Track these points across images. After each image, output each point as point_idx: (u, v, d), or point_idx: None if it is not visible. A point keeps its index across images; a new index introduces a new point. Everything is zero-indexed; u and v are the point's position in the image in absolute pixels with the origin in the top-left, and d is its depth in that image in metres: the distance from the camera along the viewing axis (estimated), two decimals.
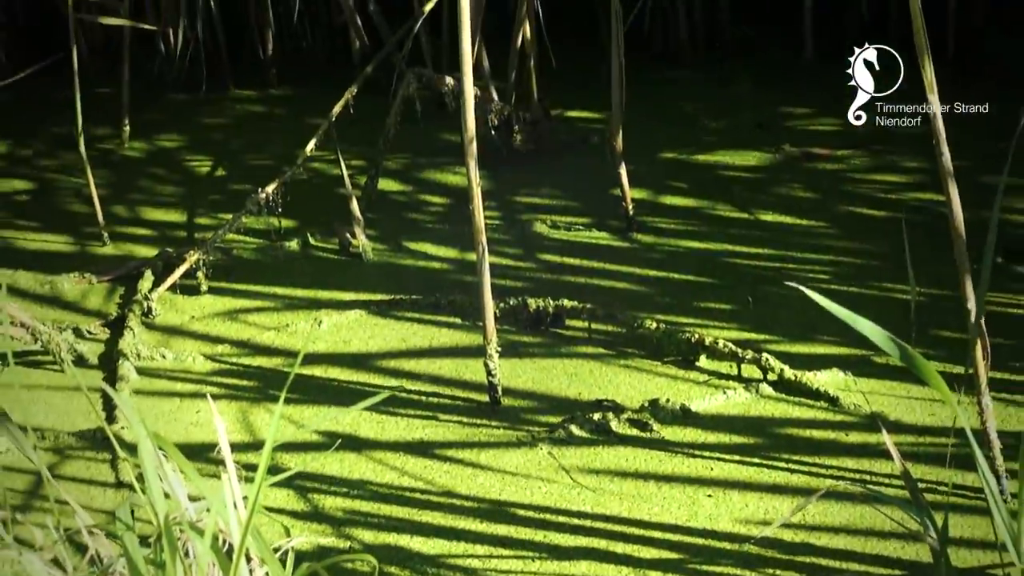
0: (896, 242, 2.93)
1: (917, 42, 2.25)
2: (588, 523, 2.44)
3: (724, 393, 2.79)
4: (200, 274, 3.40)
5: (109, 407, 2.90)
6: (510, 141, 3.88)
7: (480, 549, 2.39)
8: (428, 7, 3.75)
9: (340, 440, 2.70)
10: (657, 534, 2.40)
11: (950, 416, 2.64)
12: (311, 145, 3.57)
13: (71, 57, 3.61)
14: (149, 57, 4.68)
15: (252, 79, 4.74)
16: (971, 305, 2.29)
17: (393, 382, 2.94)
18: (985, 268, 2.23)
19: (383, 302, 3.28)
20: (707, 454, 2.62)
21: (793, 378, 2.79)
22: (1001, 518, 2.09)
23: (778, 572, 2.28)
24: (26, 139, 4.49)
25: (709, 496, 2.50)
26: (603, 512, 2.47)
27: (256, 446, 2.73)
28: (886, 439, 2.14)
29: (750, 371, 2.86)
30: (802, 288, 1.89)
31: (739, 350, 2.86)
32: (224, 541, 1.87)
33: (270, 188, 3.48)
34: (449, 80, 3.55)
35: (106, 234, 3.73)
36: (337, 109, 3.57)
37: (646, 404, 2.77)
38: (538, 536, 2.42)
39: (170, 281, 3.36)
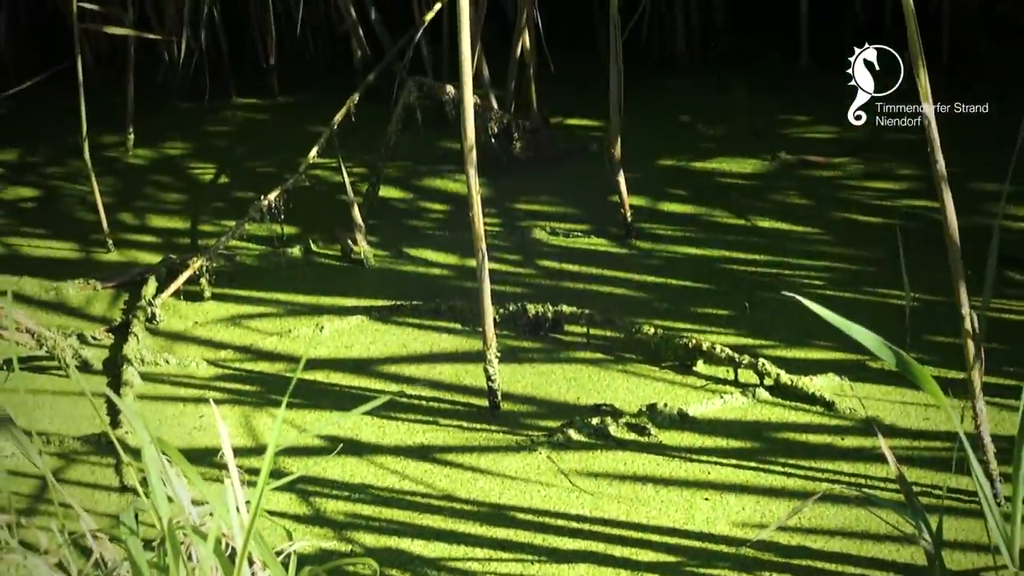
0: (891, 248, 2.96)
1: (911, 48, 2.27)
2: (586, 526, 2.46)
3: (721, 398, 2.82)
4: (203, 280, 3.42)
5: (113, 412, 2.92)
6: (510, 149, 3.91)
7: (480, 552, 2.41)
8: (429, 16, 3.78)
9: (341, 444, 2.72)
10: (655, 537, 2.42)
11: (945, 420, 2.66)
12: (313, 152, 3.59)
13: (76, 66, 3.65)
14: (153, 66, 4.71)
15: (255, 87, 4.76)
16: (965, 311, 2.32)
17: (394, 387, 2.97)
18: (988, 274, 2.26)
19: (384, 308, 3.31)
20: (704, 458, 2.64)
21: (789, 383, 2.81)
22: (995, 521, 2.11)
23: (774, 575, 2.30)
24: (32, 147, 4.51)
25: (706, 499, 2.52)
26: (601, 515, 2.49)
27: (258, 450, 2.75)
28: (881, 443, 2.17)
29: (747, 376, 2.88)
30: (797, 296, 1.91)
31: (736, 355, 2.88)
32: (227, 545, 1.89)
33: (273, 195, 3.51)
34: (450, 88, 3.58)
35: (110, 241, 3.76)
36: (339, 117, 3.59)
37: (644, 408, 2.79)
38: (537, 539, 2.44)
39: (174, 287, 3.39)
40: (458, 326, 3.21)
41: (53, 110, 4.58)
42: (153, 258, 3.67)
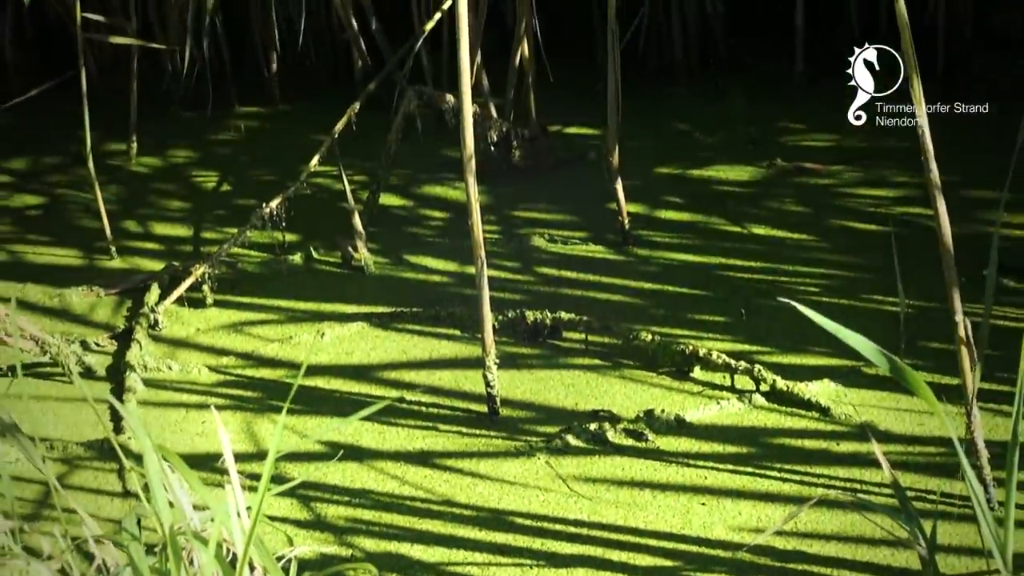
0: (886, 255, 2.98)
1: (905, 55, 2.30)
2: (585, 531, 2.48)
3: (718, 404, 2.84)
4: (206, 287, 3.45)
5: (116, 418, 2.94)
6: (509, 157, 3.92)
7: (479, 557, 2.43)
8: (429, 26, 3.81)
9: (342, 450, 2.73)
10: (652, 542, 2.44)
11: (939, 426, 2.68)
12: (314, 161, 3.61)
13: (80, 75, 3.68)
14: (157, 75, 4.74)
15: (257, 96, 4.79)
16: (958, 317, 2.34)
17: (394, 393, 2.99)
18: (989, 282, 2.28)
19: (384, 314, 3.33)
20: (701, 463, 2.66)
21: (785, 389, 2.83)
22: (988, 526, 2.12)
23: None
24: (36, 155, 4.54)
25: (703, 504, 2.54)
26: (599, 520, 2.51)
27: (260, 456, 2.77)
28: (876, 449, 2.18)
29: (743, 382, 2.90)
30: (793, 303, 1.93)
31: (732, 361, 2.90)
32: (228, 550, 1.90)
33: (274, 203, 3.53)
34: (449, 97, 3.60)
35: (114, 248, 3.78)
36: (340, 126, 3.61)
37: (641, 414, 2.81)
38: (536, 544, 2.46)
39: (176, 294, 3.41)
40: (457, 332, 3.23)
41: (57, 118, 4.61)
42: (156, 265, 3.69)
